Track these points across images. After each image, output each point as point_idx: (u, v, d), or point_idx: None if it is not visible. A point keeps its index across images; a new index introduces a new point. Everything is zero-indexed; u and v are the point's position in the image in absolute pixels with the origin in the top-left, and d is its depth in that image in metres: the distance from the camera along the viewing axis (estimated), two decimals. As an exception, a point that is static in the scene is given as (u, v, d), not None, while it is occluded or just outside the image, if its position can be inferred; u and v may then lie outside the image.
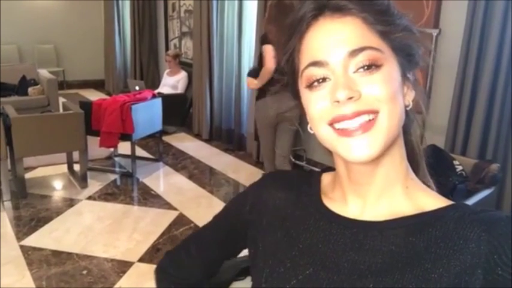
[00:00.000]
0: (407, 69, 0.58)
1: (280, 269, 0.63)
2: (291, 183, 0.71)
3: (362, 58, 0.54)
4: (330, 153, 0.61)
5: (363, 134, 0.53)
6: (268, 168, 3.59)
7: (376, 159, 0.57)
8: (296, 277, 0.61)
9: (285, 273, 0.62)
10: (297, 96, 0.61)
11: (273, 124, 3.37)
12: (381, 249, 0.57)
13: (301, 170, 4.36)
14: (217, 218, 0.80)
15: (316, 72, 0.55)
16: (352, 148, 0.54)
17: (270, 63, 3.11)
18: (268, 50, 3.12)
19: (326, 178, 0.70)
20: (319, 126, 0.56)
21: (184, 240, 0.84)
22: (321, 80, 0.55)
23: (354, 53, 0.53)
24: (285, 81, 0.63)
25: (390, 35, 0.55)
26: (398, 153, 0.60)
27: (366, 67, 0.54)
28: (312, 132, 0.60)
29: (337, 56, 0.54)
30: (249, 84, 3.49)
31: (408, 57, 0.58)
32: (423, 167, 0.66)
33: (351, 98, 0.53)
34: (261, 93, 3.31)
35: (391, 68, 0.55)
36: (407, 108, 0.59)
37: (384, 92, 0.53)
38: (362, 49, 0.53)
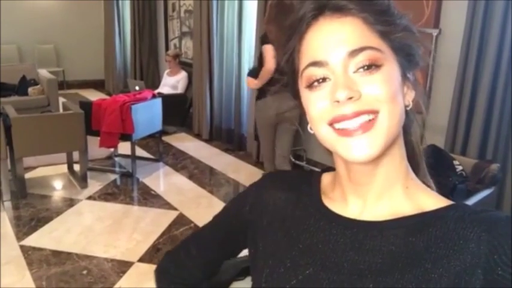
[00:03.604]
0: (407, 69, 0.58)
1: (280, 269, 0.63)
2: (291, 183, 0.71)
3: (362, 58, 0.54)
4: (329, 153, 0.61)
5: (363, 134, 0.53)
6: (268, 168, 3.59)
7: (376, 159, 0.57)
8: (296, 277, 0.61)
9: (285, 273, 0.62)
10: (297, 96, 0.61)
11: (273, 124, 3.37)
12: (381, 249, 0.57)
13: (301, 170, 4.35)
14: (217, 218, 0.80)
15: (316, 72, 0.55)
16: (352, 148, 0.54)
17: (270, 63, 3.10)
18: (268, 50, 3.11)
19: (326, 178, 0.70)
20: (319, 126, 0.56)
21: (184, 241, 0.84)
22: (320, 80, 0.55)
23: (354, 53, 0.53)
24: (284, 81, 0.63)
25: (390, 35, 0.55)
26: (399, 153, 0.60)
27: (365, 67, 0.54)
28: (311, 132, 0.59)
29: (337, 56, 0.54)
30: (248, 84, 3.49)
31: (408, 57, 0.58)
32: (423, 167, 0.66)
33: (350, 98, 0.53)
34: (261, 93, 3.30)
35: (391, 68, 0.55)
36: (407, 108, 0.59)
37: (384, 92, 0.53)
38: (362, 49, 0.53)
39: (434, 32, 2.98)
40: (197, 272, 0.81)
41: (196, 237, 0.83)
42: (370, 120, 0.53)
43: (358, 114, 0.53)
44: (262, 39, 3.22)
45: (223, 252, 0.80)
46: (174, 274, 0.83)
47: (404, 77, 0.58)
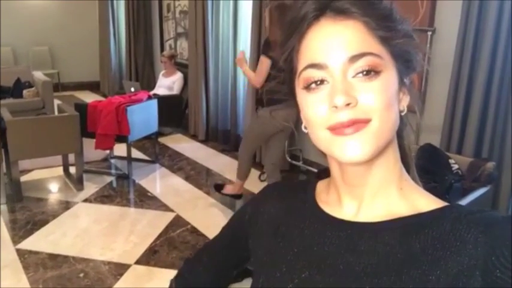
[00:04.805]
0: (405, 75, 0.58)
1: (276, 274, 0.63)
2: (287, 192, 0.72)
3: (362, 64, 0.53)
4: (324, 155, 0.61)
5: (355, 134, 0.53)
6: (245, 172, 3.48)
7: (370, 161, 0.57)
8: (292, 281, 0.61)
9: (281, 278, 0.62)
10: (292, 94, 0.61)
11: (271, 134, 3.28)
12: (376, 250, 0.57)
13: (297, 169, 4.36)
14: (223, 228, 0.83)
15: (315, 74, 0.55)
16: (345, 149, 0.54)
17: (260, 76, 3.02)
18: (264, 63, 3.01)
19: (321, 184, 0.70)
20: (316, 130, 0.56)
21: (200, 249, 0.89)
22: (318, 82, 0.55)
23: (354, 58, 0.53)
24: (281, 79, 0.63)
25: (391, 41, 0.55)
26: (393, 156, 0.60)
27: (365, 72, 0.53)
28: (305, 131, 0.60)
29: (336, 60, 0.54)
30: (240, 64, 3.29)
31: (406, 63, 0.58)
32: (413, 169, 0.66)
33: (348, 104, 0.52)
34: (269, 101, 3.08)
35: (390, 74, 0.55)
36: (402, 114, 0.59)
37: (380, 101, 0.53)
38: (362, 55, 0.53)
39: (429, 31, 2.99)
40: (208, 279, 0.85)
41: (208, 246, 0.88)
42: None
43: (354, 122, 0.53)
44: (264, 46, 3.14)
45: (230, 261, 0.83)
46: (187, 278, 0.87)
47: (401, 82, 0.58)
